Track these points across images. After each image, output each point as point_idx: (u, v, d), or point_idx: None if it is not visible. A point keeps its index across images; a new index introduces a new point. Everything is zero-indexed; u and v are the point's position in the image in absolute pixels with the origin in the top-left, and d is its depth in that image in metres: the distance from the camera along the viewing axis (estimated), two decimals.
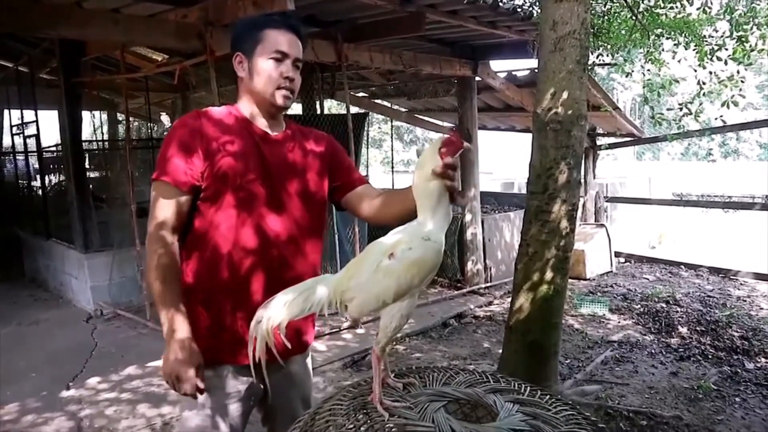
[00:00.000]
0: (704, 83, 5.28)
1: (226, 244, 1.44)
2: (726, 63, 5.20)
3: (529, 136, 3.20)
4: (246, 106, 1.51)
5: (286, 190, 1.50)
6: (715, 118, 5.69)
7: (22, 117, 6.66)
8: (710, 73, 5.27)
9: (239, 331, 1.46)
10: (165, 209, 1.41)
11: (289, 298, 1.22)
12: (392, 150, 9.99)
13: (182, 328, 1.38)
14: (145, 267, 1.46)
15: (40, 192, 6.56)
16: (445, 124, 8.70)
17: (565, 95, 2.94)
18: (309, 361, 1.70)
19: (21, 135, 6.75)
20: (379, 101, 8.50)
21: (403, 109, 8.76)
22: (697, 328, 4.66)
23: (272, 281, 1.45)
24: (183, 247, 1.49)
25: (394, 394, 1.30)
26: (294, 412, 1.59)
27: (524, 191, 3.27)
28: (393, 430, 1.14)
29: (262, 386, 1.55)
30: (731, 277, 6.39)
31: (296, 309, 1.21)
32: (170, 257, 1.41)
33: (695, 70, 5.28)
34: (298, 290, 1.22)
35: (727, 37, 5.13)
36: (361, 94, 8.31)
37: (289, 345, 1.23)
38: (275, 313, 1.20)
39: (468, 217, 5.91)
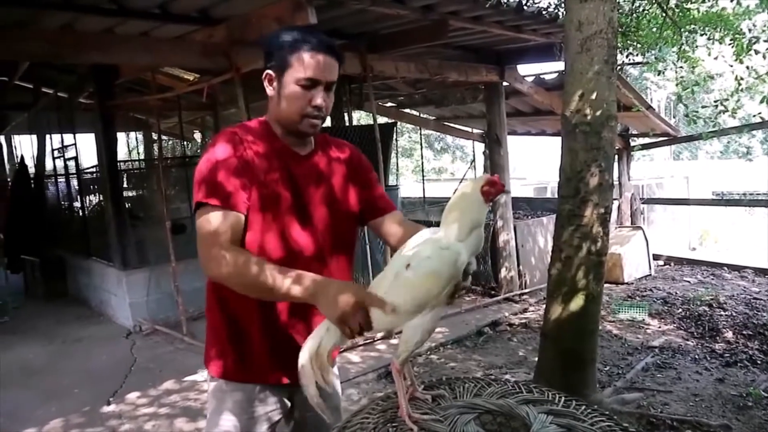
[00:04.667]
0: (742, 79, 5.11)
1: None
2: (765, 57, 5.02)
3: (560, 140, 3.15)
4: (274, 123, 1.48)
5: (315, 207, 1.48)
6: (754, 115, 5.49)
7: (62, 141, 6.90)
8: (747, 68, 5.10)
9: (266, 350, 1.46)
10: (228, 228, 1.34)
11: (327, 326, 1.28)
12: (422, 158, 9.99)
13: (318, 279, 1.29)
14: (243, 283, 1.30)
15: (80, 213, 6.77)
16: (475, 130, 8.64)
17: (593, 96, 2.88)
18: (336, 378, 1.70)
19: (62, 158, 6.99)
20: (407, 110, 8.51)
21: (432, 118, 8.75)
22: (744, 332, 4.48)
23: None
24: None
25: (423, 407, 1.28)
26: (324, 423, 1.58)
27: (557, 195, 3.22)
28: None
29: (289, 402, 1.54)
30: None
31: (336, 336, 1.27)
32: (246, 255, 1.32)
33: (731, 66, 5.12)
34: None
35: None
36: (389, 104, 8.34)
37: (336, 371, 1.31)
38: (318, 345, 1.27)
39: (500, 223, 5.84)
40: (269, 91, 1.44)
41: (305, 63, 1.36)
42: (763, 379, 3.63)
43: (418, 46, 4.65)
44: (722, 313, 4.96)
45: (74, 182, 7.01)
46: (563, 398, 1.34)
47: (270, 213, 1.41)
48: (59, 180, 7.49)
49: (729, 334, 4.47)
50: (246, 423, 1.48)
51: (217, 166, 1.34)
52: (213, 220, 1.31)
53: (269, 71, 1.41)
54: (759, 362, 3.91)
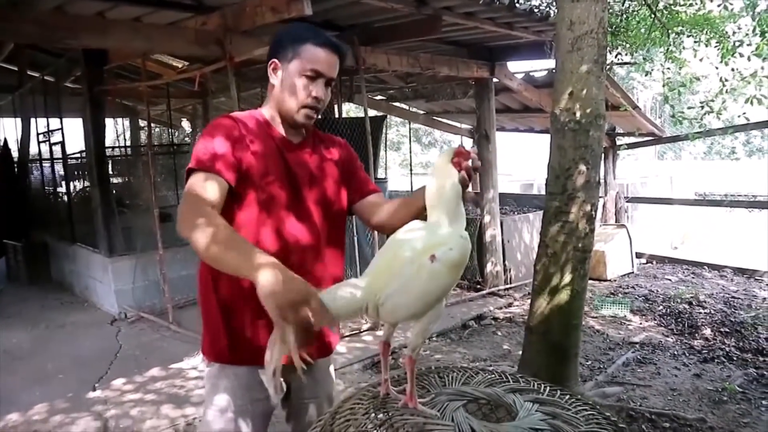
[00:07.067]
0: (727, 80, 5.20)
1: None
2: (749, 59, 5.12)
3: (547, 137, 3.20)
4: (270, 112, 1.51)
5: (308, 196, 1.50)
6: (738, 116, 5.60)
7: (48, 125, 6.80)
8: (732, 70, 5.19)
9: (260, 332, 1.46)
10: (210, 190, 1.32)
11: (330, 297, 1.13)
12: (410, 152, 10.02)
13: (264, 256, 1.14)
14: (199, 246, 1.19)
15: (65, 198, 6.70)
16: (464, 126, 8.69)
17: (583, 95, 2.93)
18: (332, 365, 1.73)
19: (47, 142, 6.90)
20: (397, 104, 8.52)
21: (421, 112, 8.76)
22: (722, 330, 4.59)
23: None
24: None
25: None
26: (318, 409, 1.61)
27: (543, 192, 3.27)
28: (413, 428, 1.15)
29: (285, 386, 1.57)
30: (756, 277, 6.27)
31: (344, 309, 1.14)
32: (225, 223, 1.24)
33: (717, 68, 5.21)
34: (336, 290, 1.15)
35: (752, 35, 5.05)
36: (378, 98, 8.33)
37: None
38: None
39: (487, 218, 5.90)
40: (272, 79, 1.48)
41: (311, 55, 1.42)
42: (738, 374, 3.73)
43: (410, 40, 4.67)
44: (701, 310, 5.07)
45: (59, 167, 6.93)
46: (548, 388, 1.38)
47: (265, 200, 1.43)
48: (44, 164, 7.39)
49: (707, 331, 4.57)
50: (241, 406, 1.50)
51: (208, 142, 1.38)
52: (189, 182, 1.34)
53: (276, 60, 1.46)
54: (735, 358, 4.02)
